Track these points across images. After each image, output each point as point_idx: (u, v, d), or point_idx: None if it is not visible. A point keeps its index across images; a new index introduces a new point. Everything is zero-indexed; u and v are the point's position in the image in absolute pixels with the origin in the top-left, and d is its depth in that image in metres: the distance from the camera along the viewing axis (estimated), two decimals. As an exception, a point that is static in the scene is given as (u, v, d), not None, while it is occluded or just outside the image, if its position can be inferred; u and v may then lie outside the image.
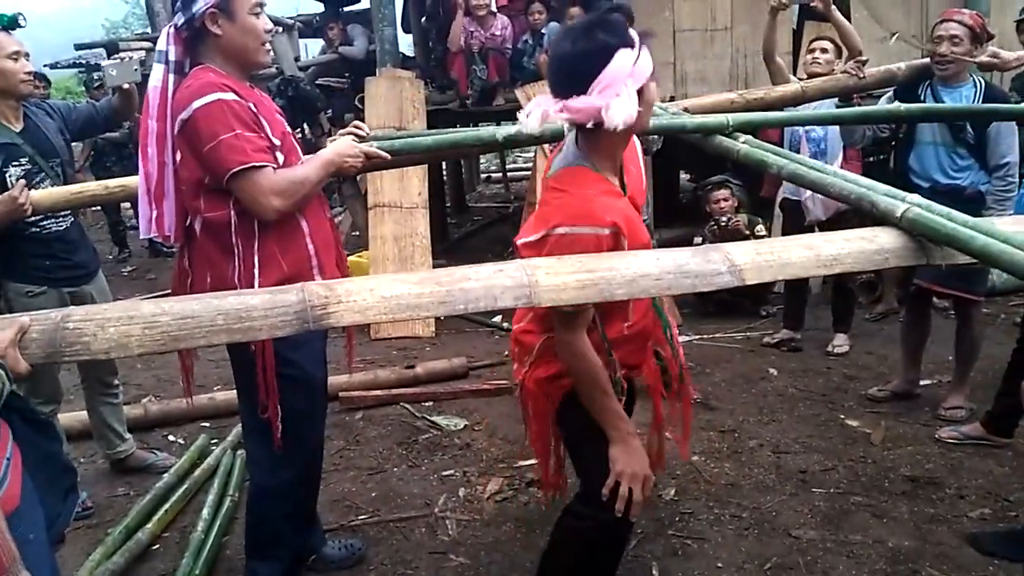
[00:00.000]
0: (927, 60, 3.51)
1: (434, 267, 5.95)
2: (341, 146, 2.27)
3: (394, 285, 1.53)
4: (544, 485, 2.25)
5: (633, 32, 1.77)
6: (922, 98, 3.44)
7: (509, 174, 13.56)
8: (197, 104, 1.96)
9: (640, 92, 1.74)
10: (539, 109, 1.72)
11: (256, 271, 2.03)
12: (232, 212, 2.03)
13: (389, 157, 2.39)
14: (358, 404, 4.00)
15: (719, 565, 2.57)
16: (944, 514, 2.80)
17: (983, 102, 3.31)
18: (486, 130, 2.32)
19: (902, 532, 2.70)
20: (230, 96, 1.98)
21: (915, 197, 1.81)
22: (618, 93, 1.67)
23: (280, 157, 2.08)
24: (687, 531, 2.77)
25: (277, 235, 2.08)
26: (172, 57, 2.07)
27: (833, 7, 3.82)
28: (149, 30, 10.58)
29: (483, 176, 14.37)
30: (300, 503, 2.40)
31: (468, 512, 2.98)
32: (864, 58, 3.55)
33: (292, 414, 2.16)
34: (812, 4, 3.82)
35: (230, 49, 2.08)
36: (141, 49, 7.58)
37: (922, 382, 3.93)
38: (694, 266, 1.64)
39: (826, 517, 2.83)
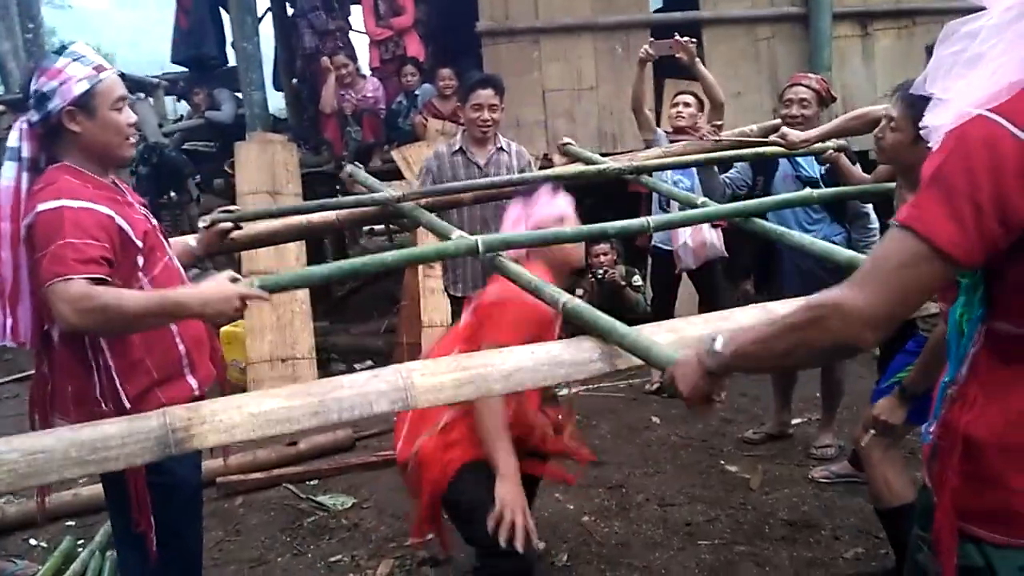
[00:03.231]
0: (778, 121, 3.76)
1: (316, 330, 5.82)
2: (211, 290, 1.88)
3: (263, 400, 1.49)
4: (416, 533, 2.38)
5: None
6: (774, 159, 3.66)
7: (392, 227, 13.45)
8: (40, 208, 1.84)
9: None
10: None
11: (119, 383, 1.92)
12: None
13: (269, 298, 2.06)
14: (237, 488, 3.82)
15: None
16: (821, 557, 2.93)
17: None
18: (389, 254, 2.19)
19: (784, 580, 2.81)
20: (77, 203, 1.86)
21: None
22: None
23: (140, 260, 1.98)
24: (580, 599, 2.78)
25: (142, 339, 1.97)
26: (25, 154, 1.93)
27: (697, 60, 4.04)
28: (2, 90, 10.01)
29: (365, 229, 14.21)
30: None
31: (359, 600, 2.89)
32: (719, 122, 3.76)
33: (167, 525, 2.03)
34: (677, 56, 4.02)
35: (90, 146, 1.96)
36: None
37: (794, 421, 4.12)
38: (568, 356, 1.68)
39: (712, 570, 2.90)
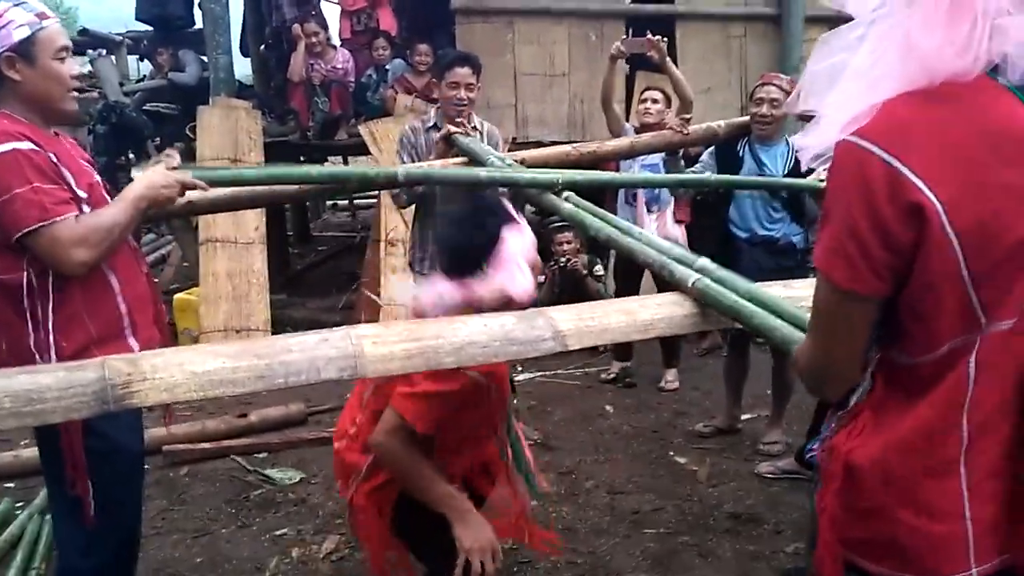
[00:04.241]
0: (746, 119, 3.79)
1: (272, 303, 5.74)
2: (152, 176, 2.05)
3: (207, 359, 1.45)
4: None
5: (512, 209, 2.00)
6: (740, 155, 3.69)
7: (356, 202, 13.34)
8: None
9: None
10: (434, 292, 1.89)
11: (54, 337, 1.86)
12: (27, 272, 1.85)
13: (208, 188, 2.28)
14: (183, 458, 3.76)
15: (555, 615, 2.60)
16: (763, 550, 2.97)
17: (793, 162, 3.58)
18: (326, 169, 2.22)
19: (725, 570, 2.84)
20: (26, 145, 1.81)
21: (704, 262, 1.88)
22: (513, 271, 1.87)
23: (87, 210, 1.93)
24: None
25: (82, 294, 1.92)
26: None
27: (668, 60, 4.05)
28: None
29: (329, 203, 14.05)
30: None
31: (302, 574, 2.85)
32: (688, 115, 3.77)
33: (104, 491, 1.97)
34: (648, 55, 4.02)
35: (31, 96, 1.91)
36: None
37: (743, 416, 4.17)
38: (520, 333, 1.66)
39: (656, 559, 2.92)
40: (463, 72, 3.48)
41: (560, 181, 2.50)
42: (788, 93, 3.68)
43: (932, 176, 0.98)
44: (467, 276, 1.88)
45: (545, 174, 2.60)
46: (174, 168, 2.18)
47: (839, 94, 1.05)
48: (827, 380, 1.13)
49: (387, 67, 6.47)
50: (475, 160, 2.87)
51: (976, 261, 1.00)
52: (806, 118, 1.13)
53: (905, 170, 0.98)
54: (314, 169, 2.35)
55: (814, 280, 1.11)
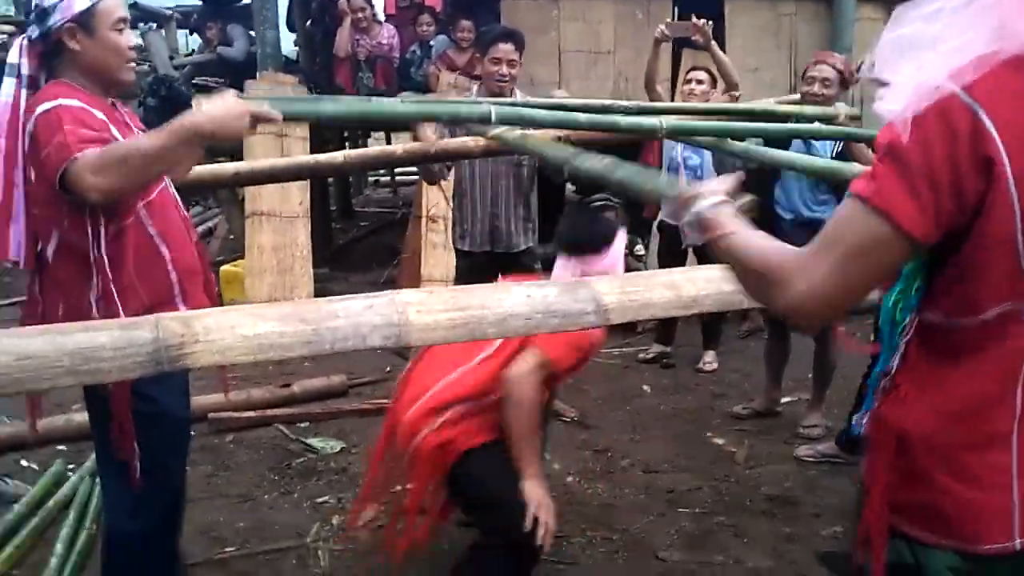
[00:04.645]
0: (796, 98, 3.73)
1: (315, 277, 5.82)
2: (217, 107, 1.81)
3: (256, 322, 1.48)
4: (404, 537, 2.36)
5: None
6: (787, 139, 3.62)
7: (398, 179, 13.41)
8: (39, 111, 1.84)
9: None
10: (557, 272, 2.39)
11: (108, 301, 1.91)
12: (91, 234, 1.91)
13: (281, 119, 1.97)
14: (229, 425, 3.85)
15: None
16: (800, 533, 2.96)
17: (842, 144, 3.51)
18: (413, 105, 2.17)
19: (761, 552, 2.83)
20: (73, 103, 1.85)
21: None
22: (620, 258, 2.40)
23: None
24: (559, 556, 2.80)
25: (135, 261, 1.97)
26: (25, 71, 1.93)
27: (713, 43, 4.00)
28: (12, 12, 9.88)
29: (371, 180, 14.15)
30: (160, 547, 2.27)
31: (342, 541, 2.91)
32: (737, 93, 3.72)
33: (151, 454, 2.03)
34: (693, 38, 3.98)
35: (90, 66, 1.95)
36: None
37: (783, 399, 4.14)
38: (562, 305, 1.66)
39: (691, 538, 2.93)
40: (506, 48, 3.47)
41: (663, 126, 2.51)
42: (841, 73, 3.60)
43: (1010, 142, 0.99)
44: (588, 256, 2.34)
45: (648, 119, 2.59)
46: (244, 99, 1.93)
47: (916, 63, 1.06)
48: (829, 309, 1.08)
49: (431, 43, 6.48)
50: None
51: None
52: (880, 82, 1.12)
53: (990, 126, 0.99)
54: (400, 105, 2.22)
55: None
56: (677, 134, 2.50)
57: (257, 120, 1.85)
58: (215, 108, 1.81)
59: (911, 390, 1.14)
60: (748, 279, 1.16)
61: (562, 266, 2.41)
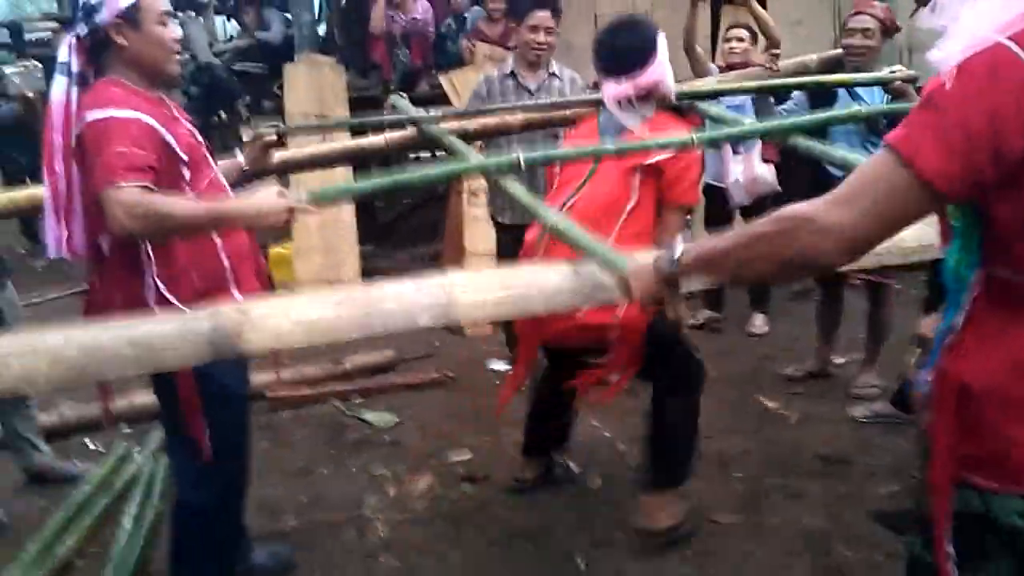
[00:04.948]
0: (839, 51, 3.63)
1: (361, 254, 5.89)
2: (263, 202, 1.95)
3: (311, 308, 1.53)
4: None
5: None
6: (833, 91, 3.54)
7: (438, 155, 13.41)
8: (89, 118, 1.89)
9: None
10: (610, 96, 2.44)
11: (165, 290, 1.98)
12: None
13: (318, 212, 2.19)
14: (285, 402, 3.95)
15: (644, 554, 2.65)
16: (854, 492, 2.94)
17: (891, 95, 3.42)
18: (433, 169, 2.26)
19: (814, 512, 2.83)
20: (125, 114, 1.90)
21: None
22: (666, 67, 2.42)
23: (186, 173, 2.02)
24: (612, 521, 2.84)
25: (187, 249, 2.03)
26: (75, 69, 1.98)
27: (753, 0, 3.92)
28: (56, 8, 10.09)
29: (412, 157, 14.19)
30: (226, 519, 2.37)
31: (398, 511, 2.99)
32: (777, 51, 3.64)
33: (215, 431, 2.12)
34: (731, -2, 3.91)
35: (136, 60, 2.00)
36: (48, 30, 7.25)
37: (836, 361, 4.09)
38: (608, 280, 1.68)
39: (743, 499, 2.94)
40: (542, 15, 3.43)
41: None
42: (883, 22, 3.50)
43: None
44: (632, 72, 2.37)
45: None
46: (268, 146, 2.35)
47: (973, 10, 1.04)
48: (844, 250, 1.11)
49: (465, 15, 6.45)
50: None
51: None
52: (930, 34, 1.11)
53: None
54: (433, 170, 2.30)
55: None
56: (707, 140, 2.56)
57: (294, 213, 1.98)
58: (260, 202, 1.96)
59: (977, 344, 1.15)
60: (768, 252, 1.18)
61: (611, 89, 2.41)
